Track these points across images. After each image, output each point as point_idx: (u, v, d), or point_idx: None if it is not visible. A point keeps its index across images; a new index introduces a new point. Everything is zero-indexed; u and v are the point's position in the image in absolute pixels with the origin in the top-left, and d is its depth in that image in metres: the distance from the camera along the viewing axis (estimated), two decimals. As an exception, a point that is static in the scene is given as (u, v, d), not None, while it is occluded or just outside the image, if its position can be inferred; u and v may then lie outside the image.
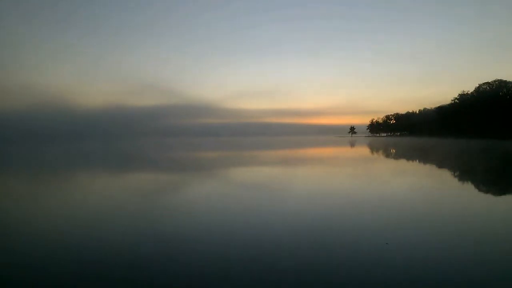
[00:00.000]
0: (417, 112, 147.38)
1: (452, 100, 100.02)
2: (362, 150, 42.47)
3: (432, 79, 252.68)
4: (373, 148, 45.64)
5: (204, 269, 4.33)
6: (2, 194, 11.71)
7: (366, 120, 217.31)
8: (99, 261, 4.68)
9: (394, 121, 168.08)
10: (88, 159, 30.38)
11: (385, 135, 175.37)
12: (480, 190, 11.66)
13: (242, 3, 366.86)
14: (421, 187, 11.85)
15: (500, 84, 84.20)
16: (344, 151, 40.13)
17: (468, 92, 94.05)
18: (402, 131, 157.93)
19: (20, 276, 4.26)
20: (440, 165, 20.76)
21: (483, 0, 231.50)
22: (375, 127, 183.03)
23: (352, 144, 63.31)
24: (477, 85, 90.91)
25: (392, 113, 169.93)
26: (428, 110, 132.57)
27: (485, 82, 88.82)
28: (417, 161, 24.79)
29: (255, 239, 5.63)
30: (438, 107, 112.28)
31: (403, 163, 23.45)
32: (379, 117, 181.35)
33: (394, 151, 39.01)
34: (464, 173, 16.65)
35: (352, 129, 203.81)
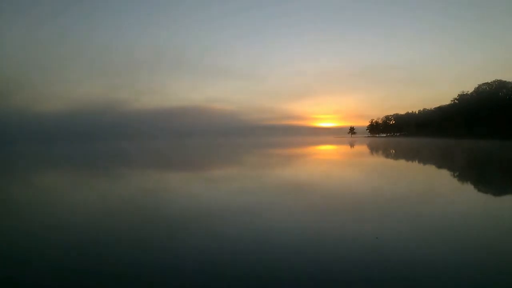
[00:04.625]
0: (417, 112, 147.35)
1: (451, 101, 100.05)
2: (354, 149, 42.41)
3: (431, 79, 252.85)
4: (369, 148, 45.56)
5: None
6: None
7: (366, 121, 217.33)
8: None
9: (393, 122, 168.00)
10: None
11: (385, 135, 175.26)
12: (472, 187, 11.53)
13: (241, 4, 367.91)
14: (413, 184, 11.71)
15: (500, 85, 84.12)
16: (337, 149, 40.10)
17: (468, 93, 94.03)
18: (401, 132, 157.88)
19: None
20: (435, 164, 20.65)
21: (483, 1, 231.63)
22: (374, 128, 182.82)
23: (352, 144, 63.22)
24: (477, 85, 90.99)
25: (392, 114, 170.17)
26: (428, 110, 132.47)
27: (485, 83, 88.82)
28: (411, 160, 24.68)
29: (243, 236, 5.53)
30: (438, 107, 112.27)
31: (396, 162, 23.34)
32: (379, 117, 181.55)
33: (392, 151, 38.91)
34: (456, 171, 16.52)
35: (352, 130, 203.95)
